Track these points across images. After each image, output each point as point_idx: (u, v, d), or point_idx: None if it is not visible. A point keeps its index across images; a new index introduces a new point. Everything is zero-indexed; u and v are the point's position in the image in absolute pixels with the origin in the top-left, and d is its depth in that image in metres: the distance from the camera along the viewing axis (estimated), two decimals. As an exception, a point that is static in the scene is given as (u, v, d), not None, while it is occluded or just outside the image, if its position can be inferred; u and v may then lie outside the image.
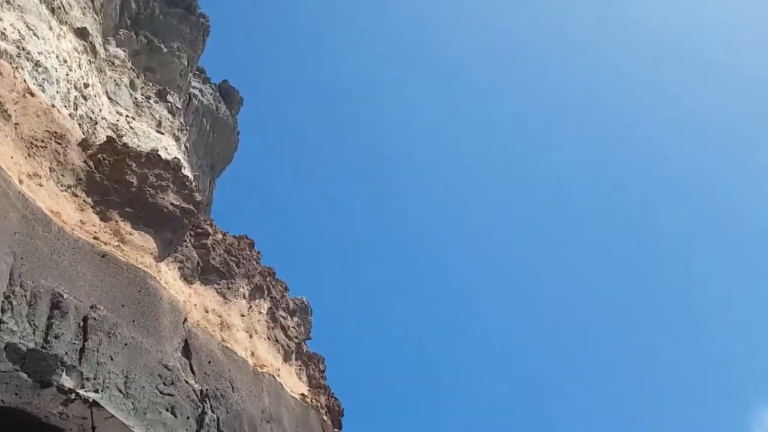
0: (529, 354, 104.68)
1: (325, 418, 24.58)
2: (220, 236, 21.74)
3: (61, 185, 16.81)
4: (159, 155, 19.86)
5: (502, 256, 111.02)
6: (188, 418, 15.69)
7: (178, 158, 20.99)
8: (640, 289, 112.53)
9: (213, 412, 16.80)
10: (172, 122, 26.82)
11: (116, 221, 17.67)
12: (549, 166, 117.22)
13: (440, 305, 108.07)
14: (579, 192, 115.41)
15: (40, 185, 15.94)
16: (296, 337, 24.71)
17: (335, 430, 25.47)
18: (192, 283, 19.48)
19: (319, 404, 24.40)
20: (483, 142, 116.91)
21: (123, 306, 15.94)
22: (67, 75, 20.10)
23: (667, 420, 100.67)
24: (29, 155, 16.20)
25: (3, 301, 12.82)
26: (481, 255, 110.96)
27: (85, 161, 17.82)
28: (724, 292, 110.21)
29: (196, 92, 31.71)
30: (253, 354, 21.10)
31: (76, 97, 20.32)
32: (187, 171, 22.10)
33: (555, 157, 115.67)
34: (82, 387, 12.84)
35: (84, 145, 18.20)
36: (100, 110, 22.10)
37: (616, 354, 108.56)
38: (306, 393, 23.82)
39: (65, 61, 20.20)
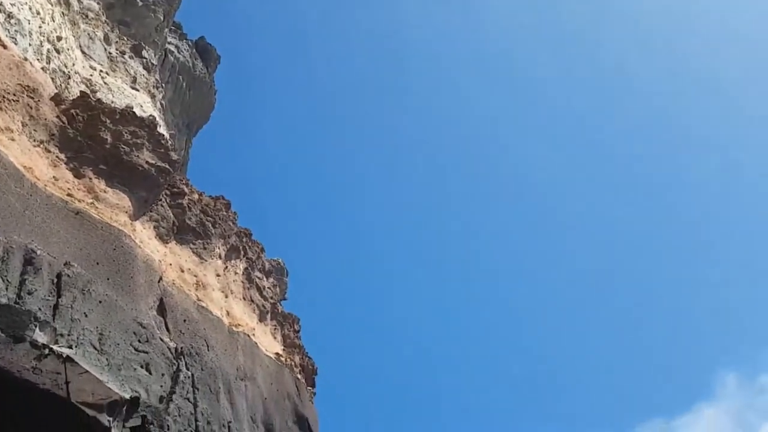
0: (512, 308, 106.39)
1: (299, 376, 24.90)
2: (196, 196, 21.64)
3: (34, 140, 16.56)
4: (134, 112, 19.61)
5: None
6: (163, 375, 15.83)
7: (153, 116, 20.74)
8: (611, 262, 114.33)
9: (188, 369, 16.94)
10: (147, 79, 26.39)
11: (90, 178, 17.50)
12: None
13: (415, 266, 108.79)
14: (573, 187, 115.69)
15: (12, 140, 15.70)
16: (271, 298, 24.86)
17: (309, 388, 25.85)
18: (167, 243, 19.44)
19: (293, 363, 24.69)
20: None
21: (97, 264, 15.91)
22: (39, 27, 19.63)
23: (631, 384, 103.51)
24: (0, 109, 15.91)
25: (-25, 257, 12.73)
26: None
27: (58, 116, 17.54)
28: (687, 260, 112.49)
29: (172, 48, 31.13)
30: (228, 313, 21.23)
31: (48, 50, 19.88)
32: (162, 129, 21.86)
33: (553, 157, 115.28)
34: (56, 343, 12.88)
35: (57, 99, 17.89)
36: (74, 64, 21.65)
37: (591, 316, 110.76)
38: (280, 352, 24.07)
39: (38, 13, 19.70)
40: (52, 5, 21.20)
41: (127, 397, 13.44)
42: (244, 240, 23.86)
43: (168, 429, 14.77)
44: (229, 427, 17.93)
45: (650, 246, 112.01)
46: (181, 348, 17.15)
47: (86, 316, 14.45)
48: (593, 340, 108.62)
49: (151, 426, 13.95)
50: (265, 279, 24.89)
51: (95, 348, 13.96)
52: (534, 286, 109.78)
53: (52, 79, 19.46)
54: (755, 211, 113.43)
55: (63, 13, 22.08)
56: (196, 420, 16.18)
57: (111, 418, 12.73)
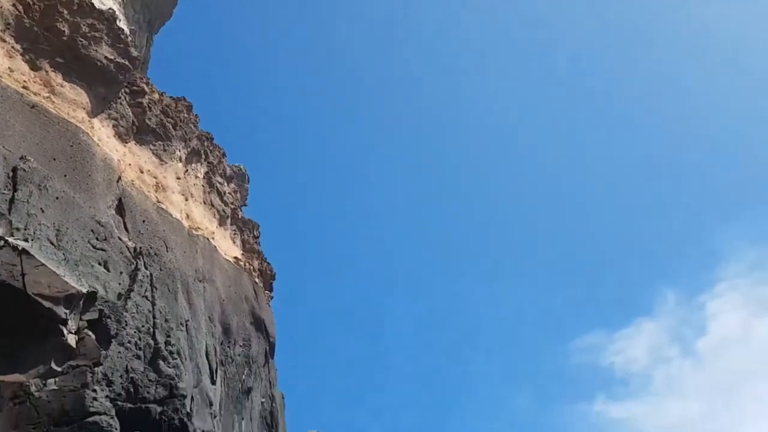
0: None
1: (257, 280, 25.38)
2: (156, 96, 21.24)
3: (-13, 28, 15.95)
4: (92, 4, 18.88)
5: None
6: (121, 273, 16.00)
7: (113, 9, 19.96)
8: (559, 177, 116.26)
9: (146, 269, 17.13)
10: (107, -30, 25.26)
11: (47, 71, 17.03)
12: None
13: (374, 170, 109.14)
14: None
15: (-36, 26, 15.11)
16: (232, 203, 24.95)
17: (267, 292, 26.41)
18: (127, 142, 19.20)
19: (252, 268, 25.10)
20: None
21: (54, 160, 15.71)
22: None
23: (572, 298, 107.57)
24: (-50, -7, 15.22)
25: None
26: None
27: (14, 5, 16.84)
28: (637, 179, 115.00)
29: (134, -61, 29.66)
30: (188, 216, 21.30)
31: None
32: (122, 24, 21.11)
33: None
34: (11, 236, 12.87)
35: (11, -14, 17.12)
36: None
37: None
38: (239, 257, 24.41)
39: None
40: None
41: (84, 291, 13.61)
42: (206, 144, 23.67)
43: (126, 325, 15.08)
44: (186, 325, 18.35)
45: (599, 164, 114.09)
46: (140, 248, 17.28)
47: (43, 211, 14.40)
48: (537, 252, 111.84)
49: (109, 320, 14.22)
50: (226, 184, 24.89)
51: (52, 243, 13.99)
52: (483, 193, 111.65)
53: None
54: (704, 129, 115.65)
55: None
56: (154, 317, 16.52)
57: (68, 311, 12.94)
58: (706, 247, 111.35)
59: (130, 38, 20.19)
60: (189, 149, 22.27)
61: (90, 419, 11.94)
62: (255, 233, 26.24)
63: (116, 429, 12.23)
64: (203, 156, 23.29)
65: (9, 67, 15.93)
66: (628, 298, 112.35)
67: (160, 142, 20.59)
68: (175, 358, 16.74)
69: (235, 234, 24.78)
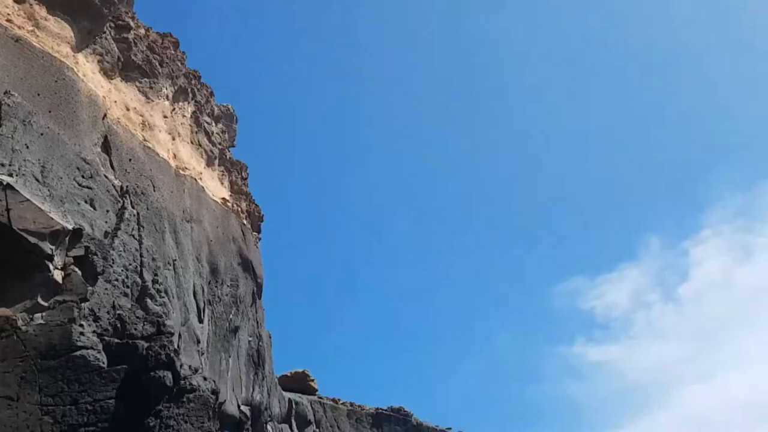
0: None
1: (245, 222, 25.44)
2: (142, 31, 20.79)
3: (-34, -42, 15.47)
4: (76, -65, 18.27)
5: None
6: (108, 211, 15.98)
7: (97, -59, 19.33)
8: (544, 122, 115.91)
9: (133, 207, 17.12)
10: None
11: (30, 4, 16.58)
12: None
13: (361, 113, 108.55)
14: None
15: (-58, -46, 14.64)
16: (220, 144, 24.76)
17: (254, 233, 26.50)
18: (112, 79, 18.89)
19: (239, 209, 25.11)
20: None
21: (38, 95, 15.46)
22: None
23: (555, 243, 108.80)
24: None
25: None
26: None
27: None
28: (625, 125, 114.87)
29: None
30: (175, 156, 21.16)
31: None
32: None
33: None
34: (-4, 171, 12.78)
35: None
36: None
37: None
38: (227, 198, 24.38)
39: None
40: None
41: (70, 228, 13.61)
42: (193, 82, 23.33)
43: (113, 263, 15.15)
44: (174, 264, 18.46)
45: (585, 111, 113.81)
46: (127, 187, 17.22)
47: (28, 147, 14.25)
48: (526, 196, 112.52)
49: (95, 257, 14.27)
50: (213, 124, 24.65)
51: (37, 180, 13.90)
52: (474, 137, 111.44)
53: None
54: (691, 74, 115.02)
55: None
56: (141, 256, 16.60)
57: (53, 247, 12.96)
58: (692, 193, 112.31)
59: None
60: (176, 87, 21.95)
61: (77, 353, 12.08)
62: (243, 174, 26.15)
63: (103, 363, 12.39)
64: (190, 94, 22.98)
65: (-9, -1, 15.52)
66: (614, 243, 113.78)
67: (146, 79, 20.26)
68: (163, 297, 16.92)
69: (223, 175, 24.68)
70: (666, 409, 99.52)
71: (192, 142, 22.76)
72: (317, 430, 30.10)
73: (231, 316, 22.68)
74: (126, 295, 15.17)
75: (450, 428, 36.96)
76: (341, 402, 33.02)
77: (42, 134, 14.68)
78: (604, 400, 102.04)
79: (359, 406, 33.60)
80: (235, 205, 24.67)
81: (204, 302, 20.57)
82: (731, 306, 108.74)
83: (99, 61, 18.25)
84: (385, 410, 34.29)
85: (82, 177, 15.55)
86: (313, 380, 32.33)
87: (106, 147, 17.40)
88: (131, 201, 17.15)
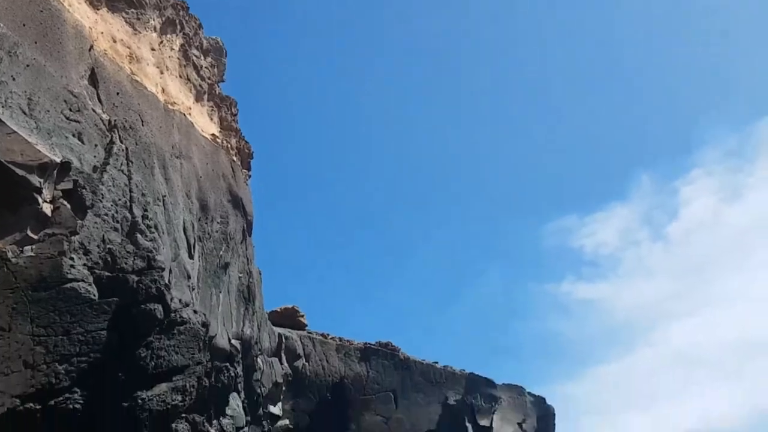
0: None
1: (234, 158, 25.34)
2: (128, -40, 20.20)
3: None
4: None
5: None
6: (96, 145, 15.87)
7: None
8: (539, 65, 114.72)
9: (122, 142, 17.00)
10: None
11: (10, -70, 16.04)
12: None
13: (355, 56, 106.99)
14: None
15: None
16: (209, 78, 24.42)
17: (244, 170, 26.45)
18: (98, 9, 18.46)
19: (229, 145, 24.98)
20: None
21: (24, 25, 15.12)
22: None
23: (547, 180, 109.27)
24: None
25: None
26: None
27: None
28: (610, 59, 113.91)
29: None
30: (163, 90, 20.88)
31: None
32: None
33: None
34: (-18, 102, 12.62)
35: None
36: None
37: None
38: (217, 134, 24.20)
39: None
40: None
41: (58, 161, 13.54)
42: (181, 14, 22.83)
43: (102, 197, 15.14)
44: (163, 200, 18.47)
45: (581, 50, 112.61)
46: (115, 121, 17.06)
47: (14, 79, 14.03)
48: (518, 134, 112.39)
49: (84, 191, 14.25)
50: (202, 58, 24.25)
51: (24, 112, 13.75)
52: (469, 74, 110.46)
53: None
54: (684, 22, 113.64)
55: None
56: (131, 191, 16.58)
57: (42, 180, 12.93)
58: (686, 133, 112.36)
59: None
60: (163, 18, 21.47)
61: (68, 285, 12.24)
62: (233, 110, 25.89)
63: (94, 295, 12.57)
64: (179, 27, 22.51)
65: None
66: (605, 182, 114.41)
67: (133, 10, 19.80)
68: (153, 232, 16.97)
69: (212, 110, 24.43)
70: (652, 346, 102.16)
71: (180, 76, 22.43)
72: (306, 363, 30.78)
73: (221, 252, 22.84)
74: (116, 230, 15.22)
75: (437, 362, 37.78)
76: (330, 337, 33.64)
77: (28, 65, 14.43)
78: (592, 336, 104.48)
79: (348, 341, 34.24)
80: (224, 142, 24.52)
81: (194, 238, 20.67)
82: (719, 245, 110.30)
83: (84, -9, 17.79)
84: (373, 345, 34.96)
85: (70, 110, 15.38)
86: (302, 316, 32.84)
87: (93, 80, 17.13)
88: (120, 136, 17.01)
